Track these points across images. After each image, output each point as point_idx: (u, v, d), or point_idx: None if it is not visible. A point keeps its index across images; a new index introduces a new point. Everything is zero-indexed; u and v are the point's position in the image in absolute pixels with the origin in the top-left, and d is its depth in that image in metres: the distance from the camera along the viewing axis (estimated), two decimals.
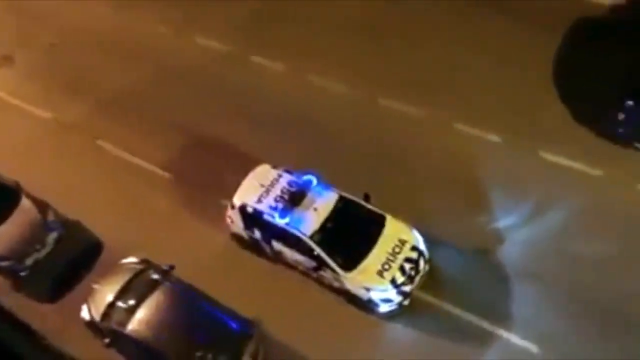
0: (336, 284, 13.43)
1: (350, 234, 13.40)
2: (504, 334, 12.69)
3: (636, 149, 14.15)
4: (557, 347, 12.33)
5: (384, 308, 13.17)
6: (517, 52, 16.13)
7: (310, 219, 13.39)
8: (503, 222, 13.90)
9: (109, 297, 13.59)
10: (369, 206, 13.69)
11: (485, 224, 13.95)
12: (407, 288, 13.07)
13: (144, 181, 16.24)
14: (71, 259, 15.11)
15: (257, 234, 14.08)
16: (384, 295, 13.01)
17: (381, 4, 18.00)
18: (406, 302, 13.20)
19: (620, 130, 14.21)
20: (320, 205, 13.51)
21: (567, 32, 16.11)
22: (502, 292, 13.08)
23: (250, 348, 12.93)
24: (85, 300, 13.91)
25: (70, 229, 15.37)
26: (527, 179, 14.37)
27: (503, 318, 12.83)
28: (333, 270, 13.22)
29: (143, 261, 14.24)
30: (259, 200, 13.89)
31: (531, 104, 15.38)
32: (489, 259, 13.49)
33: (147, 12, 19.78)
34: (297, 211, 13.49)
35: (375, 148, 15.53)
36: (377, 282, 12.95)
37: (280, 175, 14.14)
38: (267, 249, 14.25)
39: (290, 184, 13.94)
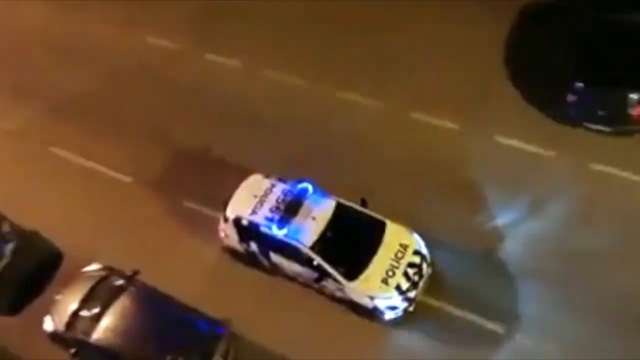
0: (339, 294, 13.06)
1: (351, 241, 13.00)
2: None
3: (587, 128, 14.50)
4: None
5: (389, 315, 12.85)
6: (467, 39, 16.30)
7: (309, 228, 12.96)
8: (482, 214, 13.94)
9: (72, 307, 13.37)
10: (367, 212, 13.33)
11: (461, 214, 13.91)
12: (412, 294, 12.76)
13: (103, 186, 15.96)
14: (30, 270, 14.77)
15: (254, 246, 13.57)
16: (390, 302, 12.67)
17: None
18: (411, 308, 12.89)
19: (571, 111, 14.49)
20: (318, 214, 13.08)
21: (516, 16, 16.35)
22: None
23: (220, 348, 12.85)
24: (47, 311, 13.64)
25: (28, 240, 15.00)
26: (483, 163, 14.56)
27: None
28: (336, 281, 12.81)
29: (106, 268, 14.02)
30: (254, 212, 13.37)
31: (484, 89, 15.53)
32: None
33: (94, 11, 19.34)
34: (295, 221, 13.02)
35: (338, 141, 15.49)
36: (382, 290, 12.60)
37: (273, 185, 13.64)
38: (265, 262, 13.76)
39: (285, 193, 13.45)
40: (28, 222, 15.19)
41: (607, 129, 14.33)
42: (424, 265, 12.94)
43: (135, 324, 13.04)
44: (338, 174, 14.64)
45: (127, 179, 16.02)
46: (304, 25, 17.66)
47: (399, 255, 12.80)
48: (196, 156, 15.91)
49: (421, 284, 12.89)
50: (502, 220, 13.79)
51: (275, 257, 13.41)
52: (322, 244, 12.87)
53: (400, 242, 12.95)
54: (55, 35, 18.95)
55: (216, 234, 14.21)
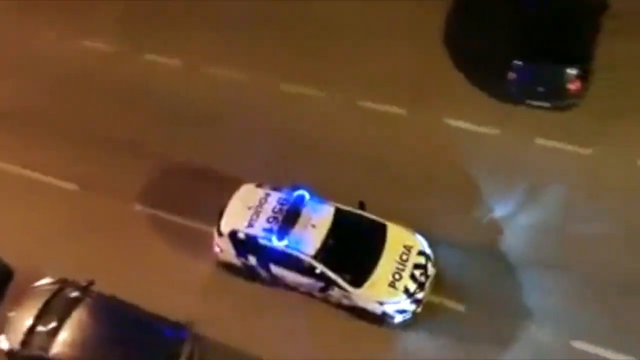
0: (345, 302, 12.71)
1: (354, 247, 12.67)
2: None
3: (528, 105, 14.77)
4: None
5: (398, 319, 12.61)
6: (406, 22, 16.42)
7: (310, 237, 12.55)
8: (436, 197, 13.98)
9: (27, 323, 12.96)
10: (367, 215, 13.03)
11: (414, 202, 13.85)
12: (419, 295, 12.51)
13: (49, 197, 15.52)
14: None
15: (252, 260, 13.11)
16: (399, 306, 12.39)
17: None
18: (419, 310, 12.65)
19: (512, 89, 14.69)
20: (318, 221, 12.67)
21: None
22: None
23: (185, 351, 12.70)
24: (2, 330, 13.20)
25: None
26: (435, 146, 14.72)
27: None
28: (342, 288, 12.46)
29: (59, 281, 13.64)
30: (250, 225, 12.86)
31: (427, 71, 15.63)
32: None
33: (27, 16, 18.72)
34: (295, 231, 12.59)
35: (287, 135, 15.39)
36: (390, 294, 12.31)
37: (267, 194, 13.16)
38: (264, 275, 13.33)
39: (281, 202, 12.98)
40: None
41: (547, 104, 14.64)
42: (429, 265, 12.69)
43: (95, 334, 12.77)
44: (303, 171, 14.45)
45: (74, 187, 15.62)
46: (242, 23, 17.44)
47: (404, 257, 12.53)
48: (145, 159, 15.61)
49: (427, 284, 12.66)
50: (461, 203, 13.92)
51: (276, 269, 12.98)
52: (325, 252, 12.50)
53: (404, 243, 12.67)
54: None
55: (175, 235, 14.06)
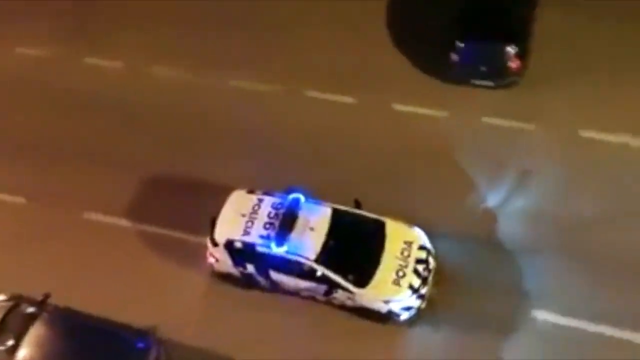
0: (349, 303, 12.46)
1: (355, 247, 12.45)
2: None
3: (473, 85, 15.00)
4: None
5: (404, 316, 12.41)
6: (347, 9, 16.41)
7: (310, 241, 12.27)
8: (389, 182, 13.90)
9: None
10: (365, 213, 12.84)
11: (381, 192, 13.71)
12: (423, 290, 12.36)
13: None
14: None
15: (251, 268, 12.74)
16: (404, 303, 12.23)
17: None
18: (423, 305, 12.49)
19: (456, 70, 14.95)
20: (315, 224, 12.40)
21: None
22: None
23: (151, 356, 12.47)
24: None
25: None
26: (385, 132, 14.77)
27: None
28: (346, 290, 12.24)
29: (13, 297, 13.05)
30: (246, 232, 12.50)
31: (372, 58, 15.72)
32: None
33: None
34: (294, 236, 12.29)
35: (244, 133, 15.15)
36: (395, 292, 12.12)
37: (261, 200, 12.82)
38: (264, 282, 12.99)
39: (275, 207, 12.67)
40: None
41: (490, 83, 14.97)
42: (430, 259, 12.58)
43: (55, 349, 12.32)
44: (264, 168, 14.37)
45: (21, 200, 14.98)
46: (183, 20, 17.11)
47: (405, 253, 12.37)
48: (97, 167, 15.15)
49: (430, 278, 12.54)
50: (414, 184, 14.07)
51: (276, 276, 12.68)
52: (326, 255, 12.25)
53: (404, 239, 12.51)
54: None
55: (119, 241, 13.78)
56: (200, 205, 13.60)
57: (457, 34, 14.84)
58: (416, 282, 12.28)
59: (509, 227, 13.35)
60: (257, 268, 12.70)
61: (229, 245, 12.70)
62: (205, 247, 13.10)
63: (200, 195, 14.13)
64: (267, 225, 12.54)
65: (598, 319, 12.15)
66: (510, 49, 14.49)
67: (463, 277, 12.78)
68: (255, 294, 13.22)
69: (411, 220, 12.92)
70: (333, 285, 12.35)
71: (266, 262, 12.55)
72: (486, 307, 12.51)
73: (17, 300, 12.99)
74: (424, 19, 16.03)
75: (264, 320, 12.94)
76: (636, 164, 13.65)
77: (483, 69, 14.85)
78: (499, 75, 14.87)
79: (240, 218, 12.70)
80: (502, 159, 14.15)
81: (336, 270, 12.25)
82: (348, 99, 15.38)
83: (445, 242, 13.03)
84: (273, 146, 14.90)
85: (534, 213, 13.46)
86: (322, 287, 12.45)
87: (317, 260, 12.27)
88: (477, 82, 15.04)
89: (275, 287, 12.98)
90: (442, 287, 12.70)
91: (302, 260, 12.32)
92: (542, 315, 12.37)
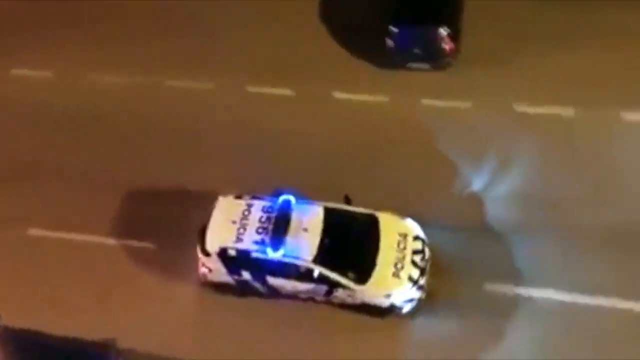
0: (350, 300, 12.33)
1: (351, 244, 12.33)
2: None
3: (409, 69, 15.28)
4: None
5: (406, 308, 12.37)
6: (281, 6, 16.34)
7: (306, 242, 12.09)
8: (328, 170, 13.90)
9: None
10: (356, 209, 12.73)
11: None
12: (422, 281, 12.31)
13: None
14: None
15: (246, 275, 12.47)
16: (406, 296, 12.18)
17: None
18: (423, 296, 12.45)
19: (392, 55, 15.15)
20: (309, 225, 12.21)
21: None
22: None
23: None
24: None
25: None
26: (328, 121, 14.77)
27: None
28: (347, 288, 12.11)
29: None
30: (239, 239, 12.21)
31: (308, 48, 15.78)
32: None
33: None
34: (289, 238, 12.07)
35: (186, 134, 15.00)
36: (396, 285, 12.04)
37: (250, 205, 12.53)
38: (260, 288, 12.72)
39: (266, 210, 12.40)
40: None
41: (426, 65, 15.27)
42: (426, 249, 12.54)
43: None
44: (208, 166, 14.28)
45: None
46: (114, 23, 16.70)
47: (401, 245, 12.33)
48: (38, 179, 14.65)
49: (427, 268, 12.49)
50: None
51: (273, 281, 12.44)
52: (323, 254, 12.08)
53: (398, 231, 12.47)
54: None
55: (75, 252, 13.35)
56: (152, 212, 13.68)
57: (390, 20, 15.06)
58: (415, 273, 12.26)
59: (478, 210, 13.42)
60: (253, 274, 12.46)
61: (223, 253, 12.41)
62: (193, 258, 12.74)
63: (161, 202, 14.06)
64: (260, 230, 12.30)
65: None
66: (443, 31, 14.83)
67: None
68: (250, 300, 12.97)
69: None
70: (333, 285, 12.21)
71: (262, 268, 12.31)
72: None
73: None
74: (356, 8, 16.13)
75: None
76: (569, 134, 14.15)
77: (418, 52, 15.15)
78: (434, 58, 15.21)
79: (231, 225, 12.41)
80: (446, 137, 14.33)
81: (335, 269, 12.12)
82: (287, 92, 15.33)
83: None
84: (227, 146, 14.80)
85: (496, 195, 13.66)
86: (323, 288, 12.30)
87: (315, 261, 12.12)
88: (414, 65, 15.32)
89: (272, 292, 12.76)
90: (438, 275, 12.69)
91: (300, 262, 12.14)
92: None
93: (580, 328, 12.15)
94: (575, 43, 14.99)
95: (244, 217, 12.45)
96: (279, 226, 12.26)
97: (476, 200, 13.62)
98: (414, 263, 12.30)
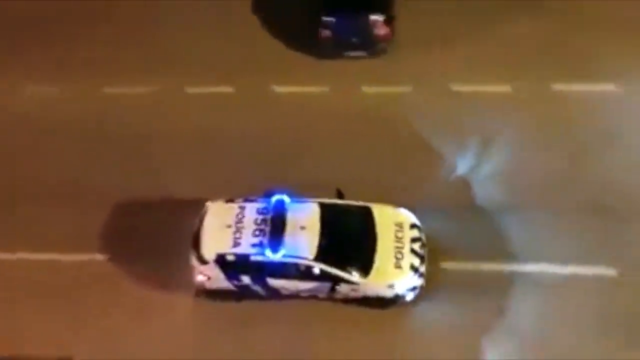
0: (352, 294, 12.27)
1: (349, 238, 12.29)
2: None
3: (347, 57, 15.38)
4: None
5: (409, 297, 12.36)
6: (212, 6, 16.26)
7: (305, 240, 11.95)
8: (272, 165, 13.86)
9: None
10: (350, 202, 12.69)
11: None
12: (423, 268, 12.36)
13: None
14: None
15: (246, 279, 12.20)
16: (409, 284, 12.21)
17: None
18: (423, 283, 12.47)
19: (329, 45, 15.22)
20: (306, 222, 12.09)
21: None
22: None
23: None
24: None
25: None
26: (265, 115, 14.78)
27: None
28: (350, 282, 12.05)
29: None
30: (236, 244, 11.96)
31: (243, 44, 15.74)
32: None
33: None
34: (287, 238, 11.91)
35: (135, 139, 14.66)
36: (398, 275, 12.05)
37: (243, 208, 12.30)
38: (261, 291, 12.47)
39: (260, 212, 12.20)
40: None
41: (363, 53, 15.39)
42: (423, 236, 12.58)
43: None
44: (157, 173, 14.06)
45: None
46: (37, 29, 16.22)
47: (399, 234, 12.35)
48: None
49: (425, 255, 12.53)
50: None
51: (274, 282, 12.23)
52: (324, 251, 11.99)
53: (394, 221, 12.49)
54: None
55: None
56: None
57: (322, 11, 15.10)
58: (416, 261, 12.32)
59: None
60: (253, 278, 12.24)
61: (220, 259, 12.13)
62: (184, 267, 12.43)
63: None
64: (257, 233, 12.09)
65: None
66: (378, 17, 14.98)
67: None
68: (249, 305, 12.72)
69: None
70: (336, 281, 12.13)
71: (262, 270, 12.12)
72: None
73: None
74: (287, 1, 16.13)
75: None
76: (504, 111, 14.49)
77: (354, 40, 15.28)
78: (370, 45, 15.35)
79: (226, 229, 12.18)
80: (387, 123, 14.48)
81: (336, 265, 12.05)
82: (227, 89, 15.23)
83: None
84: (183, 151, 14.51)
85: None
86: (326, 285, 12.21)
87: (316, 259, 12.02)
88: (351, 53, 15.44)
89: (273, 294, 12.56)
90: (433, 260, 12.74)
91: (301, 261, 12.02)
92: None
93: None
94: (504, 23, 15.45)
95: (239, 220, 12.24)
96: (275, 227, 12.10)
97: (438, 182, 13.76)
98: (413, 251, 12.35)
